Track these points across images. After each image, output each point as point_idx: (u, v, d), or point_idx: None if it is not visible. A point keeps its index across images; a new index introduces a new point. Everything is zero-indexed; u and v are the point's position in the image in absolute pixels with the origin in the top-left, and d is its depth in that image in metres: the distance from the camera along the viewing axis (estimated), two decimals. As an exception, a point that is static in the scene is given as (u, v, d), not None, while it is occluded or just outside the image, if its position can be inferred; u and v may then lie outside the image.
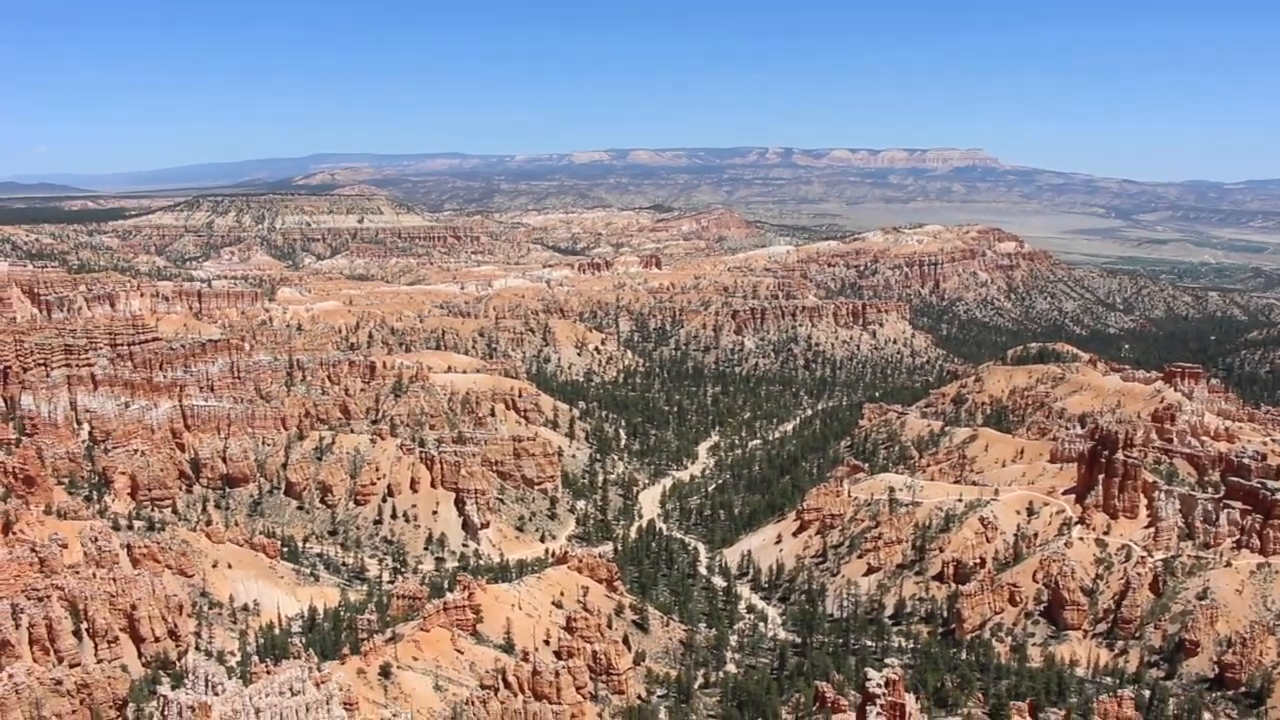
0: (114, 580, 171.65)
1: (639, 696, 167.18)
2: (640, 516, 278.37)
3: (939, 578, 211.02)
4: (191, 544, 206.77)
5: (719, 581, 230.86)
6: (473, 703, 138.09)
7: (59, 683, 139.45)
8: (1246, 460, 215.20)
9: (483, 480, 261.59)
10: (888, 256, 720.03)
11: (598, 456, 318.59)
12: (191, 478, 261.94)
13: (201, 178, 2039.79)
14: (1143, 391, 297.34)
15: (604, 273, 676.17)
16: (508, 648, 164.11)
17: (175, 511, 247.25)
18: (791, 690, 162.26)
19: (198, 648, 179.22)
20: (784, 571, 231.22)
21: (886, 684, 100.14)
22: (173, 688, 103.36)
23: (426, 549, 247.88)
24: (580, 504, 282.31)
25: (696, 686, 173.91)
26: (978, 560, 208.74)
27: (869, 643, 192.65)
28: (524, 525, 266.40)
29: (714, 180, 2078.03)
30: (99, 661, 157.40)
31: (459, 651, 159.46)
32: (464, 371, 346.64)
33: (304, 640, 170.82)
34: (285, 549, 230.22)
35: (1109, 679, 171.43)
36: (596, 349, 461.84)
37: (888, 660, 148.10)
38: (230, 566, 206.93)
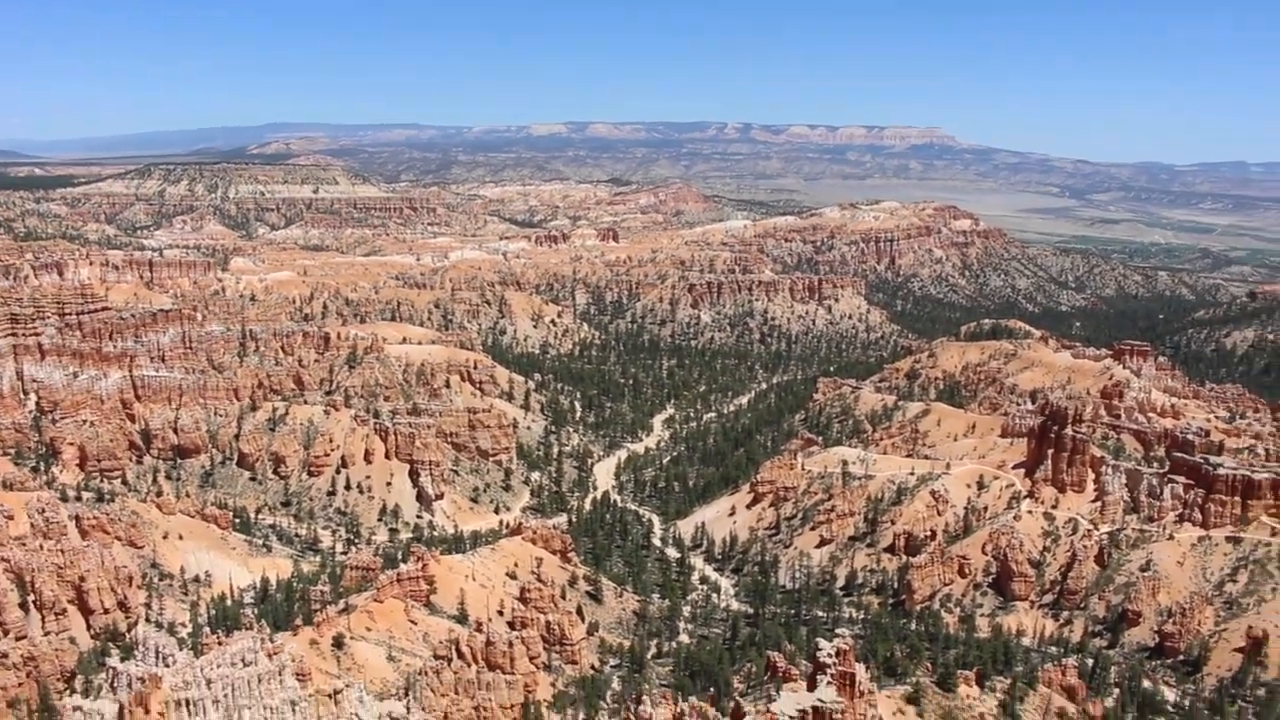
0: (62, 552, 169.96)
1: (592, 666, 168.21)
2: (595, 488, 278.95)
3: (890, 550, 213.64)
4: (142, 515, 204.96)
5: (673, 553, 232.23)
6: (426, 673, 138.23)
7: (5, 655, 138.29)
8: (1190, 436, 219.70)
9: (437, 452, 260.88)
10: (844, 232, 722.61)
11: (553, 428, 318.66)
12: (142, 449, 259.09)
13: (154, 145, 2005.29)
14: (1092, 368, 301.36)
15: (561, 245, 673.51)
16: (461, 618, 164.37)
17: (125, 483, 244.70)
18: (743, 660, 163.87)
19: (148, 619, 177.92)
20: (737, 543, 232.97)
21: (837, 654, 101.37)
22: (122, 659, 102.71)
23: (380, 520, 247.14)
24: (535, 476, 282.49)
25: (649, 656, 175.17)
26: (928, 533, 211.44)
27: (820, 613, 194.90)
28: (478, 497, 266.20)
29: (672, 154, 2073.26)
30: (46, 634, 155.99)
31: (412, 622, 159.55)
32: (419, 343, 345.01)
33: (256, 611, 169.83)
34: (237, 520, 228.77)
35: (1054, 648, 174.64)
36: (553, 321, 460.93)
37: (839, 630, 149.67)
38: (181, 538, 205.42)
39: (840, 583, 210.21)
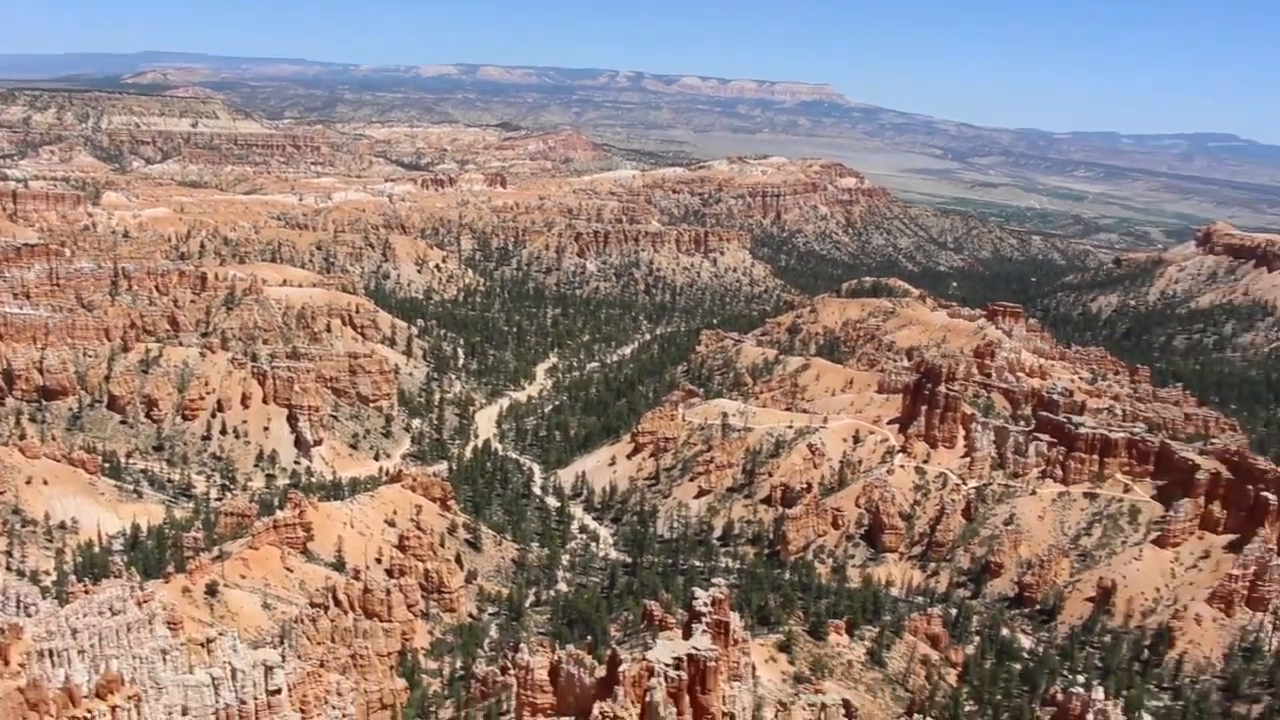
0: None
1: (470, 614, 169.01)
2: (476, 436, 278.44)
3: (767, 501, 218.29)
4: (3, 459, 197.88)
5: (552, 502, 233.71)
6: (302, 621, 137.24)
7: None
8: (1056, 396, 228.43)
9: (316, 397, 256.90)
10: (732, 186, 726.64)
11: (435, 375, 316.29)
12: (4, 390, 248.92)
13: (15, 69, 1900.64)
14: (967, 328, 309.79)
15: (447, 189, 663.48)
16: (339, 566, 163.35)
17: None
18: (621, 609, 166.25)
19: (9, 567, 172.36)
20: (617, 493, 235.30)
21: (713, 603, 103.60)
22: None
23: (257, 466, 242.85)
24: (416, 423, 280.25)
25: (528, 604, 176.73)
26: (804, 485, 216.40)
27: (697, 563, 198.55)
28: (358, 443, 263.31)
29: (563, 101, 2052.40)
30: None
31: (288, 570, 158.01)
32: (300, 285, 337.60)
33: (126, 559, 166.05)
34: (107, 465, 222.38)
35: (921, 598, 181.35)
36: (437, 266, 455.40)
37: (714, 580, 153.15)
38: (46, 483, 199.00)
39: (717, 533, 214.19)
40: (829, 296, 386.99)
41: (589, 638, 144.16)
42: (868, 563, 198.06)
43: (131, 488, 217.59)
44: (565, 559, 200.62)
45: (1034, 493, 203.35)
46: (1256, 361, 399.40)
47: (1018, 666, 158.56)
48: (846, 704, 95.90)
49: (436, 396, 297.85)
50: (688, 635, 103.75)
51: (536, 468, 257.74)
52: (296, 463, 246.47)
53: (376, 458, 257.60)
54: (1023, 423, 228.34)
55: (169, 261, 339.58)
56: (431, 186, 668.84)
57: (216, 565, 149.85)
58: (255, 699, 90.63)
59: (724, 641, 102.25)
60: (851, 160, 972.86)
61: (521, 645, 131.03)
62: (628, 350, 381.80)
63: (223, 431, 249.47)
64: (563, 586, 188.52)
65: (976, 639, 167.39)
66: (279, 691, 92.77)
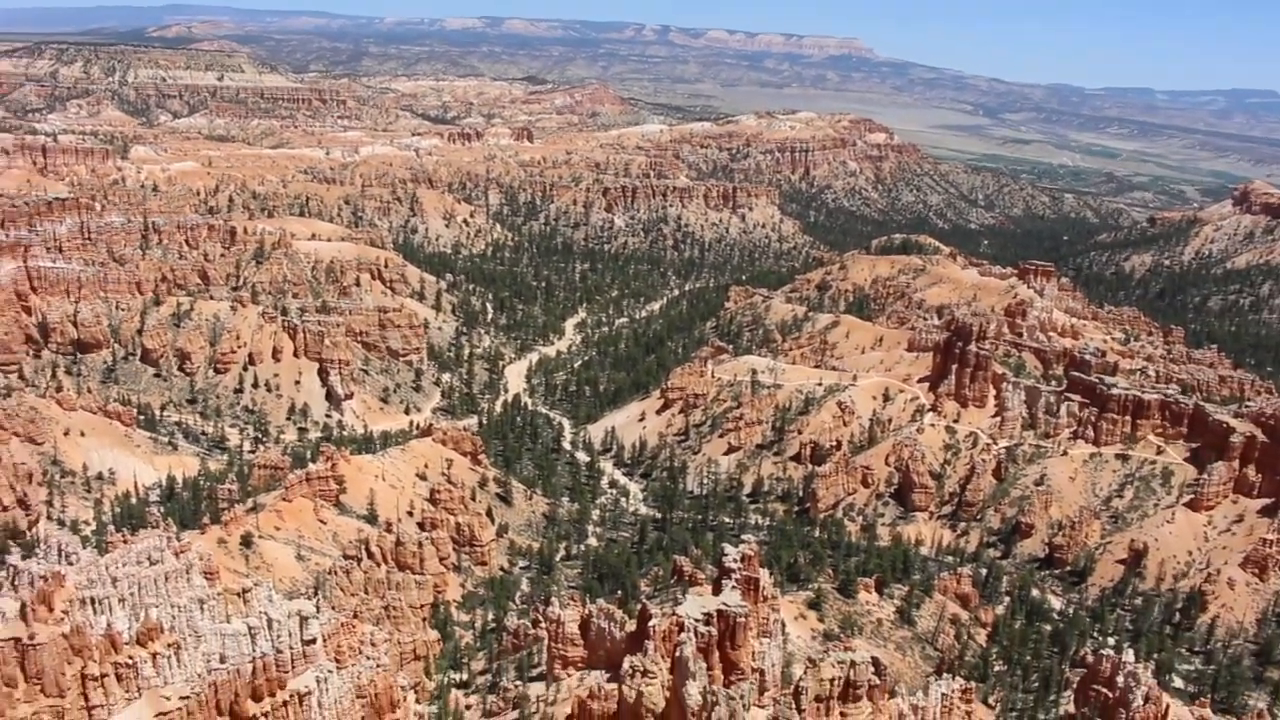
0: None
1: (501, 568, 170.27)
2: (506, 391, 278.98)
3: (796, 458, 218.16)
4: (41, 411, 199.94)
5: (582, 457, 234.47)
6: (335, 572, 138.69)
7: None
8: (1088, 356, 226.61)
9: (346, 351, 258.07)
10: (760, 141, 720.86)
11: (464, 330, 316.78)
12: (40, 343, 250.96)
13: (42, 22, 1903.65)
14: (998, 286, 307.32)
15: (474, 143, 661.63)
16: (371, 519, 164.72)
17: (22, 377, 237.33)
18: (651, 564, 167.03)
19: (49, 517, 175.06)
20: (646, 449, 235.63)
21: (742, 559, 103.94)
22: (24, 558, 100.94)
23: (289, 419, 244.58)
24: (446, 377, 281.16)
25: (558, 559, 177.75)
26: (834, 443, 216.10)
27: (727, 519, 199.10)
28: (388, 397, 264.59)
29: (590, 54, 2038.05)
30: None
31: (321, 522, 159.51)
32: (328, 240, 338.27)
33: (162, 510, 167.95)
34: (141, 417, 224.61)
35: (950, 558, 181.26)
36: (465, 221, 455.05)
37: (744, 536, 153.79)
38: (83, 435, 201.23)
39: (747, 490, 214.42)
40: (859, 253, 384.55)
41: (619, 592, 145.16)
42: (897, 521, 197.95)
43: (166, 440, 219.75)
44: (595, 514, 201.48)
45: (1065, 453, 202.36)
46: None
47: (1048, 628, 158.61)
48: (875, 662, 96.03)
49: (466, 351, 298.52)
50: (717, 591, 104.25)
51: (566, 423, 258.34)
52: (328, 416, 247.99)
53: (407, 412, 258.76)
54: (1054, 383, 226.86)
55: (198, 215, 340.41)
56: (458, 140, 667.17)
57: (251, 517, 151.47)
58: (291, 648, 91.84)
59: (753, 598, 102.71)
60: (881, 116, 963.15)
61: (552, 599, 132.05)
62: (656, 306, 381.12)
63: (254, 385, 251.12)
64: (593, 541, 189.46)
65: (1006, 599, 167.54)
66: (314, 641, 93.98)
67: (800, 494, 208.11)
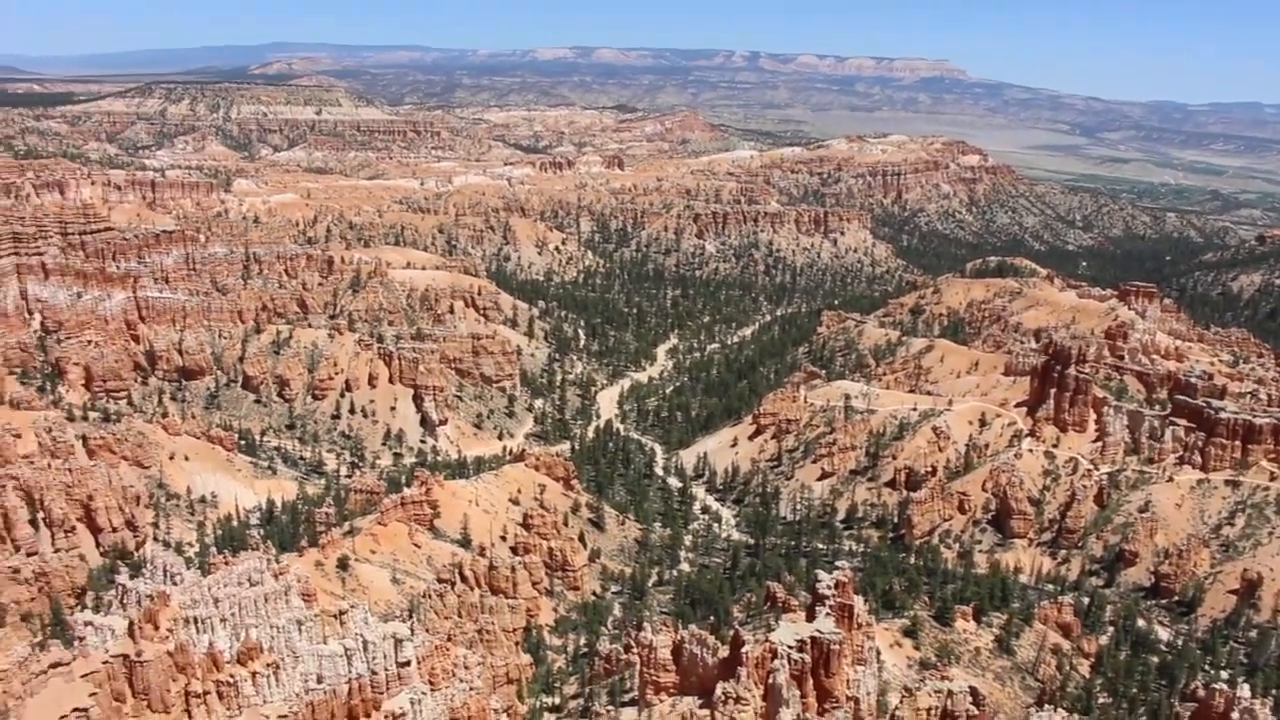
0: (70, 470, 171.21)
1: (594, 593, 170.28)
2: (598, 416, 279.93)
3: (891, 484, 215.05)
4: (148, 436, 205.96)
5: (674, 482, 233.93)
6: (430, 595, 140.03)
7: (16, 570, 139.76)
8: (1193, 380, 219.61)
9: (441, 377, 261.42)
10: (851, 165, 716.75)
11: (556, 356, 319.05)
12: (147, 370, 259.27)
13: (152, 63, 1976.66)
14: (1097, 309, 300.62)
15: (566, 172, 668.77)
16: (465, 543, 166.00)
17: (130, 403, 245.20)
18: (743, 590, 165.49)
19: (155, 539, 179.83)
20: (739, 474, 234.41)
21: (836, 586, 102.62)
22: (131, 577, 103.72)
23: (384, 444, 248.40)
24: (538, 403, 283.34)
25: (651, 584, 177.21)
26: (929, 468, 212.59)
27: (820, 546, 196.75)
28: (482, 423, 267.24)
29: (679, 82, 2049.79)
30: (56, 551, 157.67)
31: (416, 546, 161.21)
32: (423, 268, 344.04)
33: (262, 533, 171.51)
34: (243, 442, 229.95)
35: (1051, 586, 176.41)
36: (557, 249, 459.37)
37: (838, 563, 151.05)
38: (187, 459, 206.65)
39: (840, 516, 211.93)
40: (953, 276, 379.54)
41: (711, 618, 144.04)
42: (995, 548, 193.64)
43: (266, 464, 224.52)
44: (687, 539, 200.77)
45: (1171, 479, 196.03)
46: None
47: (1155, 659, 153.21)
48: (974, 691, 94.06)
49: (558, 377, 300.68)
50: (811, 618, 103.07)
51: (658, 448, 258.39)
52: (422, 441, 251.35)
53: (500, 437, 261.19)
54: (1158, 407, 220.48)
55: (297, 246, 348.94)
56: (550, 169, 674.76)
57: (347, 540, 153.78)
58: (386, 670, 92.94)
59: (848, 625, 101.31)
60: (974, 137, 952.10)
61: (645, 624, 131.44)
62: (748, 331, 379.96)
63: (351, 411, 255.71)
64: (685, 567, 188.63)
65: (1110, 629, 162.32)
66: (408, 663, 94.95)
67: (895, 520, 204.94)
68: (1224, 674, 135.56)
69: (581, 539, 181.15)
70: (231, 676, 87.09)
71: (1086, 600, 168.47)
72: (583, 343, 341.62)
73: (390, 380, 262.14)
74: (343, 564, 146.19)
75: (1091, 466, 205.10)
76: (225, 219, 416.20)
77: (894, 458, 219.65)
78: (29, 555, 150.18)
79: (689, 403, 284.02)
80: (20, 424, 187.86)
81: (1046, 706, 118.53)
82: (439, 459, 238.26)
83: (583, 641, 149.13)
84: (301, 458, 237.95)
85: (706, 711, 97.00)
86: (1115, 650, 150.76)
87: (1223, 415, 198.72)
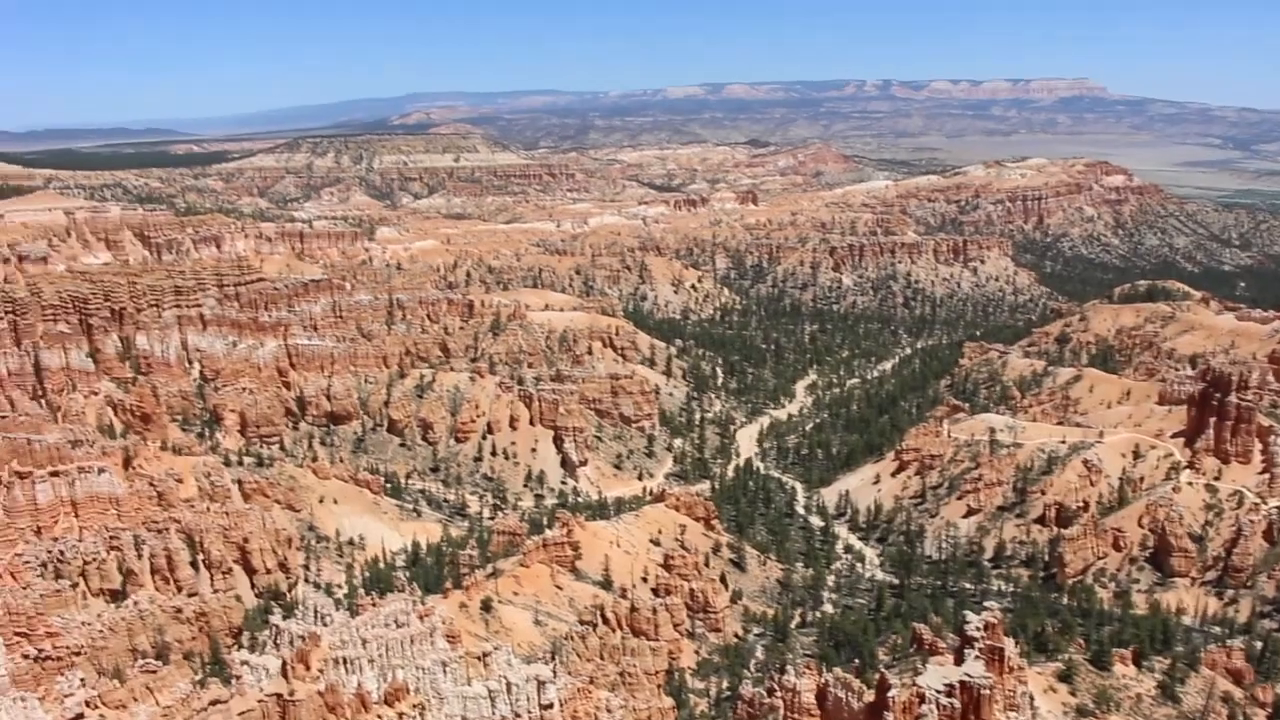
0: (227, 514, 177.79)
1: (736, 635, 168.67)
2: (737, 455, 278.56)
3: (1040, 521, 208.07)
4: (299, 480, 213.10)
5: (816, 521, 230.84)
6: (572, 637, 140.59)
7: (179, 610, 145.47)
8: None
9: (580, 418, 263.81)
10: (989, 191, 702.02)
11: (695, 395, 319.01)
12: (297, 415, 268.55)
13: (300, 119, 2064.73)
14: (1259, 331, 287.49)
15: (700, 209, 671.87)
16: (606, 584, 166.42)
17: (282, 448, 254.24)
18: (888, 631, 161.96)
19: (306, 580, 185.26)
20: (882, 512, 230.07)
21: (985, 627, 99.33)
22: (284, 618, 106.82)
23: (526, 486, 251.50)
24: (677, 442, 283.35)
25: (793, 626, 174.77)
26: (1081, 504, 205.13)
27: (967, 585, 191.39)
28: (621, 463, 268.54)
29: (811, 114, 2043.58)
30: (215, 591, 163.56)
31: (558, 587, 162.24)
32: (561, 309, 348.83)
33: (408, 574, 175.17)
34: (388, 485, 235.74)
35: (1218, 628, 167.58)
36: (693, 286, 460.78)
37: (987, 603, 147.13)
38: (336, 502, 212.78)
39: (988, 554, 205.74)
40: (1100, 303, 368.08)
41: (856, 661, 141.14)
42: (1154, 588, 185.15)
43: (411, 507, 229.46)
44: (830, 579, 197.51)
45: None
46: None
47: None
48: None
49: (697, 416, 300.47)
50: (959, 661, 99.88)
51: (799, 486, 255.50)
52: (563, 483, 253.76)
53: (640, 477, 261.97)
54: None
55: (438, 291, 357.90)
56: (684, 207, 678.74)
57: (490, 582, 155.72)
58: (529, 712, 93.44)
59: (998, 669, 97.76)
60: (1117, 157, 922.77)
61: (788, 667, 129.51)
62: (888, 365, 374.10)
63: (493, 453, 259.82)
64: (828, 608, 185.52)
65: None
66: (551, 706, 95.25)
67: (1046, 558, 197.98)
68: None
69: (723, 580, 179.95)
70: (379, 717, 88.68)
71: (1259, 644, 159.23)
72: (720, 380, 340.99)
73: (531, 422, 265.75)
74: (486, 606, 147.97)
75: (1258, 500, 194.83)
76: (369, 266, 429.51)
77: (1043, 493, 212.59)
78: (190, 596, 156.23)
79: (829, 439, 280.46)
80: (182, 469, 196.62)
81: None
82: (579, 500, 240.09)
83: (725, 685, 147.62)
84: (445, 500, 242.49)
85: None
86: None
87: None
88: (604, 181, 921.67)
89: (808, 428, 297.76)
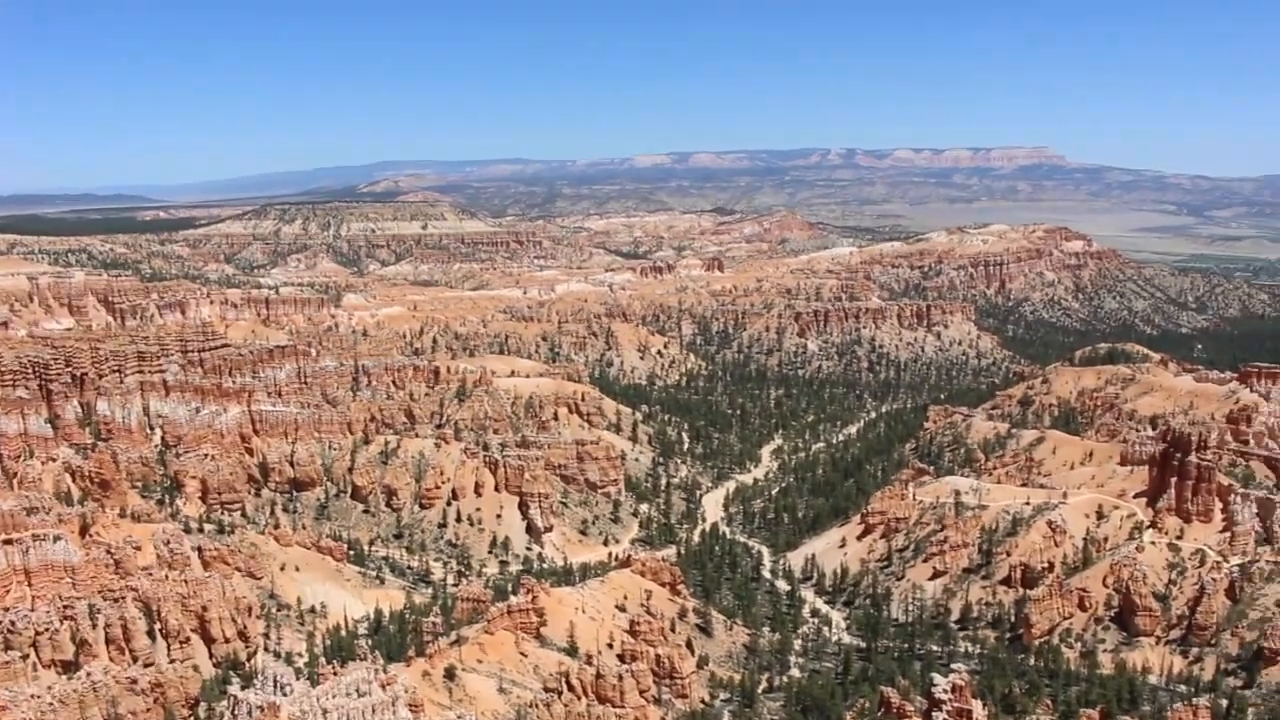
0: (186, 582, 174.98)
1: (702, 700, 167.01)
2: (703, 520, 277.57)
3: (1006, 582, 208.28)
4: (260, 547, 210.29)
5: (783, 585, 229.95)
6: (536, 705, 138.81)
7: (134, 681, 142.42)
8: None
9: (546, 484, 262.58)
10: (952, 257, 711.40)
11: (661, 460, 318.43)
12: (260, 481, 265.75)
13: (269, 186, 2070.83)
14: (1217, 392, 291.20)
15: (666, 276, 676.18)
16: (571, 651, 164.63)
17: (244, 515, 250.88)
18: (856, 695, 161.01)
19: (266, 649, 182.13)
20: (848, 575, 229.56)
21: (953, 690, 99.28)
22: (243, 688, 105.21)
23: (490, 552, 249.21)
24: (643, 507, 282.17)
25: (760, 691, 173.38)
26: (1046, 564, 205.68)
27: (935, 648, 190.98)
28: (587, 529, 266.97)
29: (776, 182, 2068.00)
30: (171, 661, 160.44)
31: (523, 654, 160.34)
32: (527, 375, 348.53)
33: (370, 642, 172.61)
34: (352, 552, 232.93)
35: (1183, 687, 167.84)
36: (659, 352, 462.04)
37: (954, 666, 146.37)
38: (298, 569, 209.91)
39: (955, 616, 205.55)
40: (1061, 365, 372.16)
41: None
42: (1120, 647, 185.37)
43: (374, 574, 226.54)
44: (797, 644, 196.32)
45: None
46: None
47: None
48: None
49: (663, 481, 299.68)
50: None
51: (765, 551, 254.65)
52: (528, 549, 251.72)
53: (605, 543, 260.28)
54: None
55: (404, 357, 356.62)
56: (650, 274, 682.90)
57: (454, 649, 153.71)
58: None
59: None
60: (1076, 223, 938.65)
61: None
62: (853, 429, 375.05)
63: (458, 519, 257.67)
64: (795, 672, 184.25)
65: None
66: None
67: (1012, 619, 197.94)
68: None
69: (689, 645, 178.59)
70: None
71: (1225, 702, 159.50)
72: (687, 446, 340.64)
73: (496, 488, 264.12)
74: (450, 674, 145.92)
75: (1220, 558, 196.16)
76: (335, 333, 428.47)
77: (1008, 554, 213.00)
78: (145, 666, 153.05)
79: (795, 503, 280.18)
80: (141, 536, 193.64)
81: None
82: (545, 566, 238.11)
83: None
84: (409, 567, 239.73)
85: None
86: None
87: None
88: (571, 249, 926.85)
89: (773, 492, 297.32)
